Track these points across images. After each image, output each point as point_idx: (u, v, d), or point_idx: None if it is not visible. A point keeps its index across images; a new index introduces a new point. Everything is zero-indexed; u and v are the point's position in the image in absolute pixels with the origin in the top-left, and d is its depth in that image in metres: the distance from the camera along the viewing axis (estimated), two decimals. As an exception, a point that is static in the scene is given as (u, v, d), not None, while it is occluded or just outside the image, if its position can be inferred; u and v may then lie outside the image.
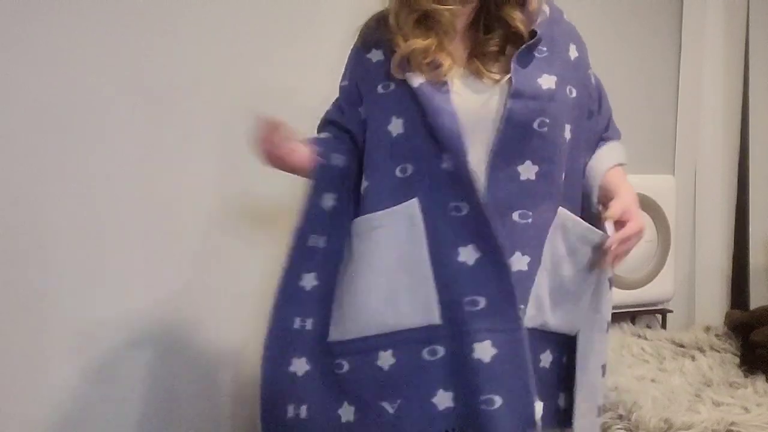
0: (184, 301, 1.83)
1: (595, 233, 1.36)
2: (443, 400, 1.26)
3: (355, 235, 1.37)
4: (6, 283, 1.61)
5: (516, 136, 1.29)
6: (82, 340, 1.70)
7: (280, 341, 1.37)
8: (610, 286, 1.41)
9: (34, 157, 1.64)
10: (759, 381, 1.96)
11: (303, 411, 1.34)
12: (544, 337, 1.34)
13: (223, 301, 1.88)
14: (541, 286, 1.31)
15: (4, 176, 1.61)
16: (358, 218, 1.37)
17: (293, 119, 1.85)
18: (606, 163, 1.43)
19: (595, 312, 1.39)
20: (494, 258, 1.27)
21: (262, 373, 1.37)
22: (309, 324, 1.36)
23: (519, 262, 1.29)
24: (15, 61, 1.60)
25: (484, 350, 1.25)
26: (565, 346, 1.39)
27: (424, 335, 1.28)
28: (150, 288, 1.79)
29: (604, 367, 1.41)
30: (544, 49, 1.34)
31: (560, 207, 1.34)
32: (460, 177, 1.28)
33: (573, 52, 1.38)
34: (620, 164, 1.45)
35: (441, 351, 1.27)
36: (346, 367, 1.33)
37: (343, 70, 1.45)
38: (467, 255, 1.28)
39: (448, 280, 1.28)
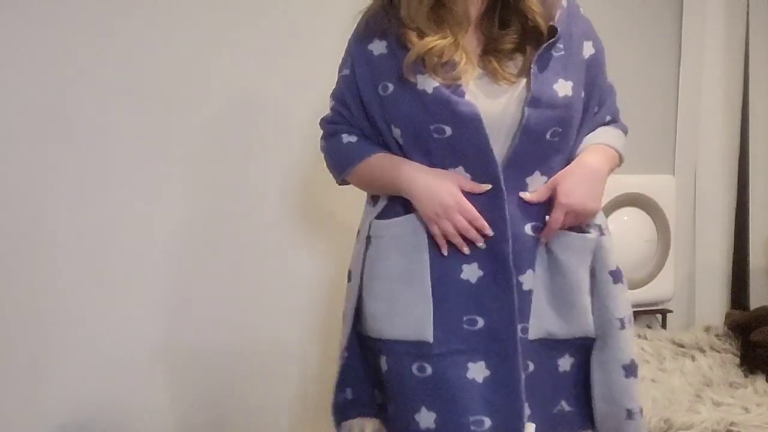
0: (186, 301, 1.83)
1: (574, 238, 1.28)
2: (425, 419, 1.22)
3: (371, 238, 1.32)
4: (6, 282, 1.61)
5: (529, 147, 1.23)
6: (83, 340, 1.70)
7: None
8: (616, 281, 1.31)
9: (34, 157, 1.64)
10: (759, 381, 1.96)
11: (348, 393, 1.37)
12: (557, 344, 1.29)
13: (224, 302, 1.88)
14: (540, 297, 1.26)
15: (4, 176, 1.61)
16: (373, 222, 1.32)
17: (291, 118, 1.84)
18: (586, 143, 1.33)
19: (602, 310, 1.30)
20: (501, 278, 1.22)
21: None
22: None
23: (529, 279, 1.25)
24: (15, 61, 1.60)
25: (478, 371, 1.21)
26: (590, 349, 1.32)
27: (414, 350, 1.23)
28: (151, 288, 1.79)
29: (627, 367, 1.30)
30: (561, 47, 1.24)
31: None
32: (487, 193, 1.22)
33: (588, 50, 1.29)
34: (603, 144, 1.33)
35: (428, 370, 1.22)
36: (347, 357, 1.33)
37: (343, 56, 1.34)
38: (470, 273, 1.23)
39: (448, 297, 1.23)
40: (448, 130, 1.21)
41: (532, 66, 1.21)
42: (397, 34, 1.24)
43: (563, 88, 1.23)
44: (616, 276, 1.31)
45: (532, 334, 1.25)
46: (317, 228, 2.00)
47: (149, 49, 1.75)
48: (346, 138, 1.32)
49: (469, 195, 1.23)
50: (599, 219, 1.32)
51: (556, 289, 1.27)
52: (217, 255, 1.86)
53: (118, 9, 1.70)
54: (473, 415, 1.19)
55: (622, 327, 1.30)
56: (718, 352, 2.18)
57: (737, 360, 2.12)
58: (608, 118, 1.37)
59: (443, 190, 1.22)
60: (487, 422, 1.19)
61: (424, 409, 1.22)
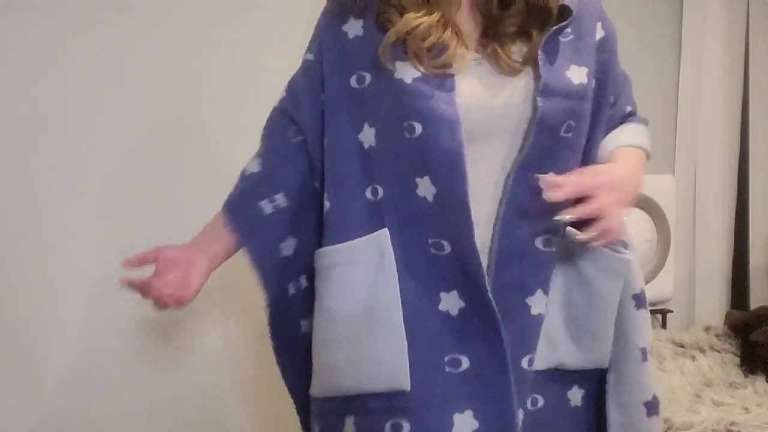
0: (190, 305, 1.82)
1: (611, 258, 1.08)
2: None
3: (317, 271, 1.10)
4: (6, 283, 1.61)
5: (544, 145, 1.03)
6: (83, 341, 1.70)
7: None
8: (639, 306, 1.12)
9: (34, 157, 1.64)
10: (759, 381, 1.96)
11: None
12: (566, 375, 1.11)
13: (225, 302, 1.87)
14: (552, 321, 1.07)
15: (4, 176, 1.61)
16: (318, 251, 1.10)
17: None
18: (609, 146, 1.15)
19: (621, 339, 1.11)
20: (486, 307, 1.01)
21: None
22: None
23: (539, 302, 1.05)
24: (15, 61, 1.60)
25: (465, 424, 0.99)
26: (600, 380, 1.14)
27: (387, 404, 1.01)
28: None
29: (649, 404, 1.11)
30: (569, 31, 1.06)
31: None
32: (449, 208, 1.00)
33: (599, 31, 1.11)
34: (633, 146, 1.16)
35: (406, 427, 0.99)
36: (316, 429, 1.11)
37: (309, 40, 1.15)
38: (449, 303, 1.02)
39: (424, 334, 1.01)
40: (418, 128, 1.00)
41: (539, 50, 1.02)
42: (376, 12, 1.04)
43: (578, 74, 1.04)
44: (640, 301, 1.12)
45: (541, 364, 1.07)
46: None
47: (150, 49, 1.74)
48: (250, 169, 1.18)
49: (433, 212, 1.02)
50: (624, 232, 1.12)
51: (577, 313, 1.08)
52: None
53: (118, 9, 1.70)
54: None
55: (644, 359, 1.11)
56: (718, 352, 2.18)
57: (737, 360, 2.12)
58: (629, 108, 1.21)
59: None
60: None
61: None
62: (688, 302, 2.64)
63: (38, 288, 1.65)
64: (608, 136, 1.17)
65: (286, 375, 1.21)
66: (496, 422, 1.01)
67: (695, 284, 2.64)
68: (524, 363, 1.05)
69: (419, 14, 1.01)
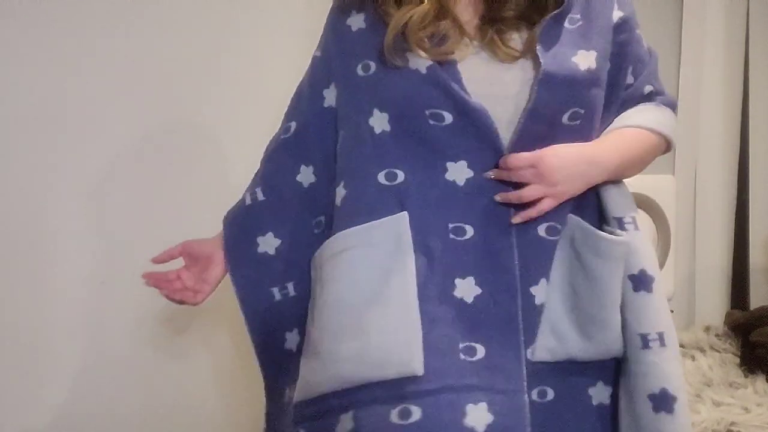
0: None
1: (603, 240, 1.04)
2: None
3: (325, 261, 1.08)
4: (7, 283, 1.61)
5: (538, 133, 1.03)
6: (84, 341, 1.70)
7: (275, 416, 1.18)
8: (638, 287, 1.05)
9: (35, 157, 1.64)
10: (759, 381, 1.96)
11: None
12: (583, 368, 1.05)
13: (225, 303, 1.87)
14: (556, 310, 1.04)
15: (4, 177, 1.61)
16: (332, 237, 1.08)
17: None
18: (611, 128, 1.12)
19: (623, 325, 1.05)
20: (502, 295, 1.01)
21: None
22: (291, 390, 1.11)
23: (542, 292, 1.04)
24: (15, 62, 1.60)
25: (479, 416, 0.94)
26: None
27: (395, 391, 0.96)
28: (152, 290, 1.78)
29: (655, 398, 1.00)
30: (577, 17, 1.05)
31: (569, 213, 1.07)
32: (484, 191, 1.02)
33: (616, 12, 1.09)
34: (634, 126, 1.11)
35: (415, 414, 0.94)
36: None
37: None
38: (465, 290, 1.01)
39: (439, 320, 0.99)
40: (448, 117, 1.02)
41: (537, 39, 1.02)
42: (375, 5, 1.07)
43: (585, 59, 1.03)
44: (637, 281, 1.04)
45: (548, 356, 1.03)
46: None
47: (151, 50, 1.74)
48: (249, 199, 1.24)
49: (457, 196, 1.03)
50: (632, 211, 1.10)
51: (580, 302, 1.04)
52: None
53: (121, 10, 1.70)
54: None
55: (645, 346, 1.02)
56: (718, 352, 2.18)
57: (737, 360, 2.12)
58: (648, 88, 1.15)
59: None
60: None
61: None
62: (688, 302, 2.64)
63: (38, 288, 1.65)
64: (616, 118, 1.13)
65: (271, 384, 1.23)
66: (510, 416, 0.97)
67: (695, 284, 2.64)
68: (529, 354, 1.03)
69: (412, 5, 1.03)
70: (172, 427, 1.83)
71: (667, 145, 1.17)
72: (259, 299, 1.19)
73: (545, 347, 1.03)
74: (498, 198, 1.03)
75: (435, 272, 1.02)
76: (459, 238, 1.03)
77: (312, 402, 1.04)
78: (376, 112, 1.07)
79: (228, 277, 1.25)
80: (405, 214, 1.04)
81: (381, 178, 1.06)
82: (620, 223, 1.08)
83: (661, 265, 2.46)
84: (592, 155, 1.06)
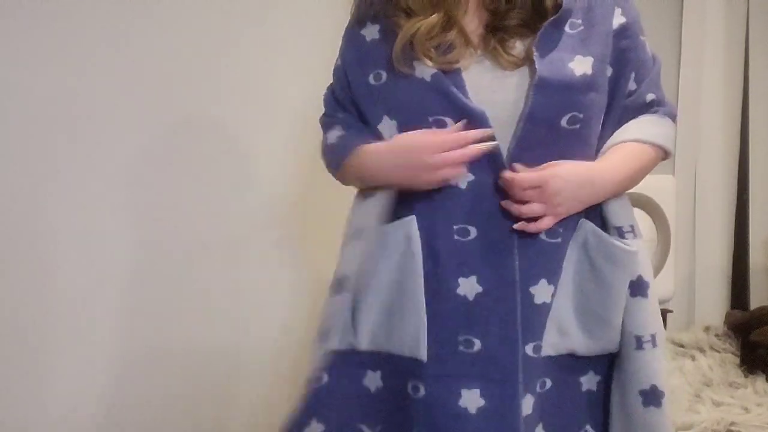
0: (186, 303, 1.83)
1: (617, 248, 1.11)
2: None
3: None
4: (6, 283, 1.61)
5: (538, 138, 1.07)
6: (83, 343, 1.70)
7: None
8: (635, 293, 1.13)
9: (34, 157, 1.63)
10: (759, 381, 1.96)
11: None
12: (579, 361, 1.14)
13: (226, 304, 1.88)
14: (563, 309, 1.11)
15: (4, 177, 1.61)
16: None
17: (291, 117, 1.84)
18: (612, 141, 1.15)
19: (622, 325, 1.13)
20: (501, 294, 1.08)
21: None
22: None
23: (544, 292, 1.10)
24: (15, 62, 1.60)
25: (472, 399, 1.07)
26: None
27: (410, 369, 1.10)
28: (151, 290, 1.78)
29: (645, 394, 1.11)
30: (578, 22, 1.08)
31: (582, 219, 1.12)
32: (485, 195, 1.08)
33: (618, 18, 1.11)
34: (636, 141, 1.14)
35: (422, 390, 1.09)
36: (325, 379, 1.15)
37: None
38: (467, 288, 1.08)
39: (442, 315, 1.09)
40: (450, 123, 1.08)
41: (534, 44, 1.06)
42: (387, 17, 1.12)
43: (581, 65, 1.06)
44: (635, 288, 1.12)
45: (551, 351, 1.11)
46: (310, 226, 2.00)
47: (151, 50, 1.74)
48: (332, 135, 1.21)
49: (463, 199, 1.09)
50: (631, 220, 1.16)
51: (588, 302, 1.12)
52: (212, 255, 1.86)
53: (118, 10, 1.70)
54: None
55: (639, 347, 1.11)
56: (718, 352, 2.18)
57: (737, 360, 2.12)
58: (650, 97, 1.17)
59: (410, 149, 1.07)
60: None
61: None
62: (688, 302, 2.64)
63: (40, 288, 1.65)
64: (618, 130, 1.16)
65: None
66: (501, 403, 1.07)
67: (695, 284, 2.64)
68: (528, 350, 1.09)
69: (421, 17, 1.08)
70: (173, 426, 1.83)
71: (665, 155, 1.21)
72: None
73: (550, 343, 1.11)
74: (502, 204, 1.08)
75: (440, 272, 1.10)
76: (463, 239, 1.09)
77: (357, 354, 1.14)
78: (385, 119, 1.13)
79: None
80: (413, 219, 1.12)
81: None
82: (620, 232, 1.14)
83: (661, 265, 2.46)
84: (595, 177, 1.11)
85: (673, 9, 2.64)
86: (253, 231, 1.92)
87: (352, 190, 1.30)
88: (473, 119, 1.06)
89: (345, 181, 1.23)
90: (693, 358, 2.13)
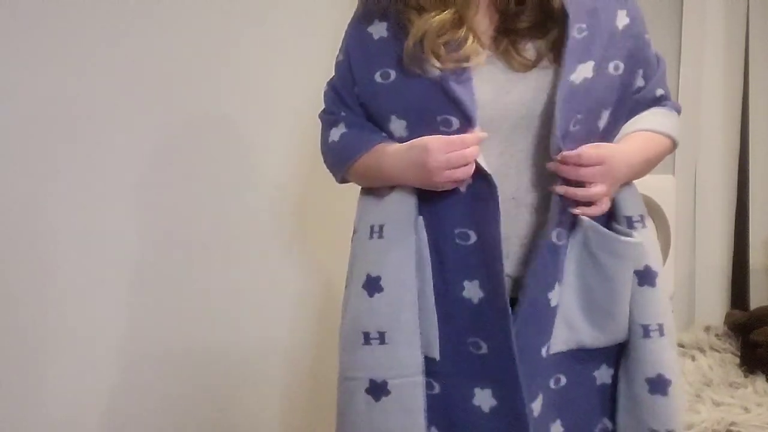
0: (187, 304, 1.83)
1: (619, 242, 1.12)
2: None
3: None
4: (6, 283, 1.61)
5: (556, 139, 1.08)
6: (84, 343, 1.70)
7: None
8: (642, 282, 1.15)
9: (35, 158, 1.63)
10: (759, 381, 1.96)
11: None
12: (590, 354, 1.16)
13: (226, 304, 1.87)
14: (569, 305, 1.13)
15: (4, 177, 1.61)
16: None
17: (290, 117, 1.84)
18: (626, 129, 1.17)
19: (629, 314, 1.16)
20: (501, 300, 1.09)
21: None
22: None
23: (557, 294, 1.12)
24: (15, 62, 1.60)
25: (485, 398, 1.11)
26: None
27: (426, 365, 1.14)
28: (152, 290, 1.78)
29: (651, 382, 1.14)
30: (584, 26, 1.09)
31: (580, 216, 1.13)
32: (482, 197, 1.09)
33: (622, 19, 1.13)
34: (653, 131, 1.17)
35: (436, 387, 1.14)
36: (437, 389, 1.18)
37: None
38: (472, 292, 1.11)
39: (451, 317, 1.12)
40: (455, 123, 1.08)
41: (564, 49, 1.07)
42: (398, 14, 1.11)
43: (583, 71, 1.08)
44: (642, 277, 1.15)
45: (562, 346, 1.14)
46: (307, 229, 2.00)
47: (150, 49, 1.74)
48: (335, 133, 1.20)
49: (462, 203, 1.10)
50: (641, 209, 1.18)
51: (592, 297, 1.14)
52: (213, 256, 1.86)
53: (119, 10, 1.70)
54: None
55: (646, 335, 1.14)
56: (718, 352, 2.18)
57: (737, 360, 2.12)
58: (660, 91, 1.21)
59: (420, 154, 1.08)
60: None
61: (434, 429, 1.14)
62: (688, 302, 2.64)
63: (40, 289, 1.65)
64: (629, 121, 1.18)
65: None
66: (512, 405, 1.10)
67: (695, 284, 2.64)
68: (543, 352, 1.12)
69: (433, 14, 1.07)
70: (173, 426, 1.83)
71: (673, 147, 1.23)
72: None
73: (560, 339, 1.13)
74: (559, 191, 1.09)
75: (447, 275, 1.13)
76: (464, 243, 1.11)
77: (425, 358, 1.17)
78: (394, 118, 1.13)
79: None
80: (421, 219, 1.14)
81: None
82: (629, 222, 1.16)
83: (661, 265, 2.46)
84: (632, 157, 1.14)
85: (673, 9, 2.64)
86: (253, 231, 1.92)
87: (353, 190, 1.30)
88: (475, 120, 1.07)
89: (348, 179, 1.23)
90: (693, 358, 2.13)
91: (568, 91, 1.07)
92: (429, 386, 1.13)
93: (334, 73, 1.23)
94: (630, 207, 1.16)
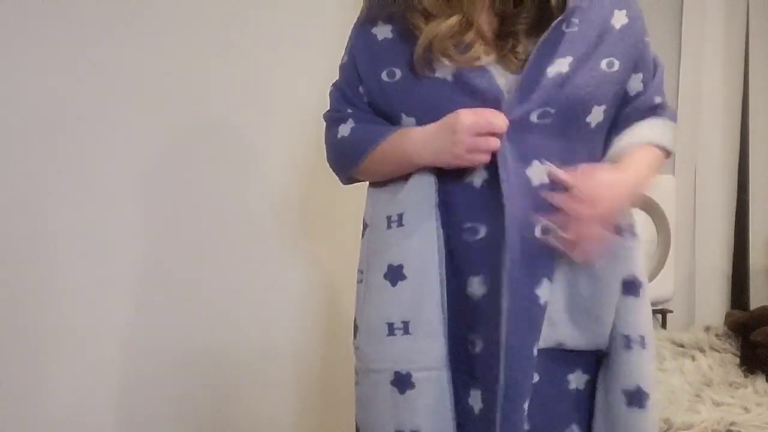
0: (189, 304, 1.83)
1: (616, 243, 1.13)
2: None
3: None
4: (8, 283, 1.61)
5: (515, 136, 1.08)
6: (84, 343, 1.70)
7: None
8: (626, 292, 1.14)
9: (35, 158, 1.64)
10: (759, 381, 1.96)
11: None
12: (566, 356, 1.14)
13: (227, 304, 1.88)
14: (555, 303, 1.11)
15: (6, 177, 1.61)
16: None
17: (290, 117, 1.84)
18: (625, 141, 1.16)
19: (612, 323, 1.14)
20: (497, 297, 1.08)
21: None
22: None
23: (546, 291, 1.10)
24: (15, 63, 1.60)
25: (476, 400, 1.12)
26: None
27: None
28: (153, 290, 1.78)
29: (629, 394, 1.11)
30: (576, 21, 1.10)
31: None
32: (496, 192, 1.08)
33: (620, 19, 1.13)
34: (655, 145, 1.17)
35: (443, 377, 1.14)
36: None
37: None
38: (475, 288, 1.11)
39: (456, 312, 1.12)
40: None
41: (536, 49, 1.08)
42: (403, 17, 1.13)
43: (558, 65, 1.08)
44: (628, 287, 1.14)
45: (541, 343, 1.11)
46: (311, 229, 2.00)
47: (151, 51, 1.74)
48: (344, 129, 1.20)
49: (472, 198, 1.11)
50: (629, 218, 1.17)
51: (579, 296, 1.12)
52: (213, 258, 1.86)
53: (121, 10, 1.70)
54: None
55: (627, 346, 1.12)
56: (718, 352, 2.18)
57: (737, 360, 2.12)
58: (658, 99, 1.20)
59: (445, 133, 1.08)
60: None
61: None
62: (688, 302, 2.64)
63: (41, 289, 1.65)
64: (627, 130, 1.18)
65: None
66: (496, 407, 1.07)
67: (695, 284, 2.64)
68: (534, 351, 1.10)
69: (440, 19, 1.09)
70: (173, 426, 1.83)
71: (668, 157, 1.24)
72: None
73: (540, 335, 1.11)
74: (541, 225, 1.08)
75: (454, 270, 1.12)
76: (471, 239, 1.11)
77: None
78: (403, 116, 1.15)
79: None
80: (436, 211, 1.13)
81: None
82: (617, 230, 1.14)
83: (661, 265, 2.46)
84: (634, 186, 1.14)
85: (673, 9, 2.64)
86: (255, 231, 1.92)
87: (356, 190, 1.31)
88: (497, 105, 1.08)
89: (357, 174, 1.22)
90: (693, 358, 2.12)
91: (532, 80, 1.07)
92: (439, 377, 1.13)
93: (338, 75, 1.24)
94: (617, 215, 1.14)
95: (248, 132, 1.90)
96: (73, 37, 1.65)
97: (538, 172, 1.09)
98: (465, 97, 1.09)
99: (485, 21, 1.13)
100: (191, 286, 1.83)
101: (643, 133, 1.17)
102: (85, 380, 1.71)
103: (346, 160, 1.22)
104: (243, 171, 1.91)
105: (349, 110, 1.21)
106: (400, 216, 1.15)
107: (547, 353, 1.12)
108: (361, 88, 1.19)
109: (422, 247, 1.13)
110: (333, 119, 1.23)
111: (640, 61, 1.16)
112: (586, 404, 1.16)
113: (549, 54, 1.09)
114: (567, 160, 1.10)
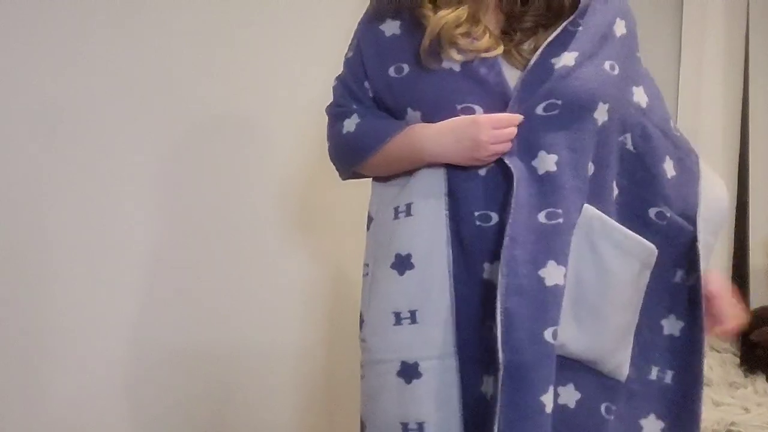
0: (190, 304, 1.83)
1: (632, 240, 1.12)
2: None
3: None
4: (8, 283, 1.61)
5: (522, 128, 1.09)
6: (84, 343, 1.70)
7: None
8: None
9: (35, 158, 1.63)
10: (759, 381, 1.96)
11: None
12: (565, 365, 1.10)
13: (228, 304, 1.87)
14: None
15: (5, 178, 1.61)
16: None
17: (291, 117, 1.84)
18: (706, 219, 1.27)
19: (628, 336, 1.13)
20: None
21: None
22: None
23: (555, 273, 1.07)
24: (15, 63, 1.60)
25: (489, 386, 1.09)
26: (606, 390, 1.14)
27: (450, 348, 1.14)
28: (154, 291, 1.78)
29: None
30: (580, 21, 1.11)
31: (585, 204, 1.11)
32: (494, 181, 1.09)
33: (620, 28, 1.16)
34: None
35: (455, 365, 1.12)
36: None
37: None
38: (491, 273, 1.09)
39: (469, 299, 1.11)
40: (478, 110, 1.10)
41: (543, 46, 1.09)
42: (411, 12, 1.14)
43: (564, 59, 1.09)
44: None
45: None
46: (314, 226, 2.00)
47: (154, 48, 1.74)
48: (350, 124, 1.20)
49: (486, 185, 1.11)
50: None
51: (584, 291, 1.10)
52: (215, 256, 1.86)
53: (126, 9, 1.70)
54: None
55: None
56: (718, 352, 2.18)
57: (737, 360, 2.12)
58: (677, 133, 1.30)
59: (469, 127, 1.08)
60: None
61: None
62: (688, 302, 2.63)
63: (42, 289, 1.65)
64: (707, 187, 1.38)
65: None
66: (515, 394, 1.05)
67: (695, 284, 2.63)
68: (548, 336, 1.05)
69: (448, 10, 1.10)
70: (174, 426, 1.83)
71: None
72: None
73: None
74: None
75: (467, 257, 1.11)
76: (485, 225, 1.10)
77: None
78: (409, 111, 1.15)
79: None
80: (440, 204, 1.13)
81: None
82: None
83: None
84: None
85: (673, 9, 2.64)
86: (259, 229, 1.92)
87: (358, 186, 1.31)
88: (500, 103, 1.09)
89: (362, 169, 1.22)
90: (693, 358, 2.12)
91: (539, 73, 1.08)
92: (449, 365, 1.11)
93: (343, 70, 1.24)
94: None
95: (251, 128, 1.90)
96: (75, 36, 1.65)
97: (544, 162, 1.09)
98: (472, 87, 1.10)
99: (492, 18, 1.14)
100: (195, 285, 1.83)
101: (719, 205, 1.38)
102: (86, 380, 1.71)
103: (352, 155, 1.21)
104: (246, 168, 1.90)
105: (354, 105, 1.21)
106: (408, 206, 1.14)
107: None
108: (366, 84, 1.19)
109: (431, 235, 1.12)
110: (337, 114, 1.23)
111: (635, 75, 1.19)
112: (575, 422, 1.12)
113: (556, 49, 1.10)
114: (574, 152, 1.10)
